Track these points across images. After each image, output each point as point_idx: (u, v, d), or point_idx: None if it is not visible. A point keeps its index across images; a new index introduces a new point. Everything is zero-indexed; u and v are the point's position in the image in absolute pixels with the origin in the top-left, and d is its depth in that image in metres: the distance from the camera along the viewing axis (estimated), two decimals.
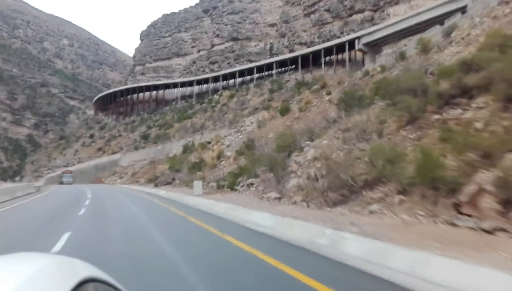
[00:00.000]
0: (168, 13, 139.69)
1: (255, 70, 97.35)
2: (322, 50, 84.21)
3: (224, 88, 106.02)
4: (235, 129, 49.71)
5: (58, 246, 7.69)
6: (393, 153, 10.78)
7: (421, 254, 5.46)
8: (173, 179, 33.61)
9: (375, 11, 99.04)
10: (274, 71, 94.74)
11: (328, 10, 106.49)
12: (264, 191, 17.76)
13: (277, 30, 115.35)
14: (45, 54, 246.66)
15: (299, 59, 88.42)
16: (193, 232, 10.02)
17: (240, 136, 45.79)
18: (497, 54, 12.95)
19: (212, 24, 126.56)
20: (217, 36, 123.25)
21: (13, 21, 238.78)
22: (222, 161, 37.16)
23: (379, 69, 33.75)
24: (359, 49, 78.24)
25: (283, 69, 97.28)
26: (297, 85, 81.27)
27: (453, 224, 7.74)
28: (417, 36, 41.87)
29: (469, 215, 7.74)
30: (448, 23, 35.70)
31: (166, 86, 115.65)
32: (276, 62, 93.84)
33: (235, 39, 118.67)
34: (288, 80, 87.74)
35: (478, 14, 26.51)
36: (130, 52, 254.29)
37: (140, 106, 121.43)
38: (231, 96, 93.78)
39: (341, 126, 18.25)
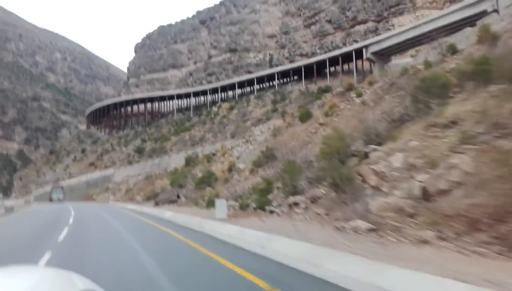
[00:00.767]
0: (164, 24, 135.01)
1: (255, 81, 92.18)
2: (327, 60, 79.28)
3: (223, 100, 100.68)
4: (243, 140, 44.10)
5: None
6: None
7: None
8: (178, 196, 27.75)
9: (378, 21, 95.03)
10: (276, 82, 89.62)
11: (329, 21, 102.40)
12: (329, 215, 12.06)
13: (276, 42, 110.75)
14: (37, 68, 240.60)
15: (302, 70, 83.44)
16: None
17: (250, 147, 40.18)
18: None
19: (209, 35, 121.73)
20: (215, 47, 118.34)
21: (4, 34, 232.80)
22: (234, 174, 31.48)
23: (420, 66, 28.53)
24: (367, 58, 73.49)
25: (285, 80, 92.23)
26: (301, 96, 76.27)
27: None
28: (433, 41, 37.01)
29: None
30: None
31: (162, 98, 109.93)
32: (278, 72, 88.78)
33: (233, 50, 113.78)
34: (291, 91, 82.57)
35: None
36: (124, 67, 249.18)
37: (134, 120, 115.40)
38: (231, 108, 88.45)
39: (434, 122, 12.71)
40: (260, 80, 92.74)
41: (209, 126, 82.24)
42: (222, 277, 6.37)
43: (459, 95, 14.89)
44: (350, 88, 33.97)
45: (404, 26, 72.83)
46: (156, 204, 27.47)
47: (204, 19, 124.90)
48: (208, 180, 29.28)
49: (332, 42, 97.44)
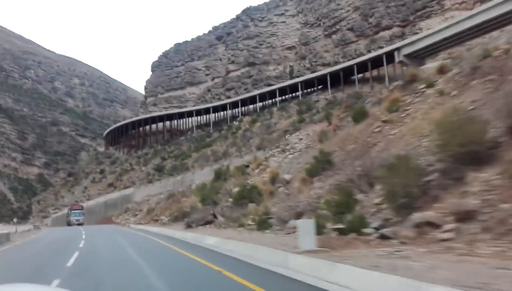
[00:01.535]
0: (180, 42, 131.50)
1: (277, 92, 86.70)
2: (355, 66, 73.50)
3: (243, 114, 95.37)
4: (278, 150, 38.19)
5: None
6: None
7: None
8: (214, 216, 21.89)
9: (404, 26, 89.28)
10: (299, 93, 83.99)
11: (351, 29, 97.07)
12: None
13: (296, 53, 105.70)
14: (56, 93, 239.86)
15: (328, 78, 77.74)
16: None
17: (289, 156, 34.26)
18: None
19: (226, 50, 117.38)
20: (232, 62, 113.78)
21: (24, 62, 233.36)
22: (280, 186, 25.56)
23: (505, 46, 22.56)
24: (400, 62, 67.47)
25: (308, 90, 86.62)
26: (329, 105, 70.39)
27: None
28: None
29: None
30: None
31: (181, 115, 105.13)
32: (302, 82, 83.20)
33: (251, 64, 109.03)
34: (317, 101, 76.88)
35: None
36: (141, 89, 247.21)
37: (153, 138, 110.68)
38: (253, 121, 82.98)
39: None
40: (282, 91, 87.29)
41: (232, 140, 76.74)
42: None
43: None
44: (412, 80, 28.09)
45: (439, 25, 66.84)
46: (189, 226, 21.67)
47: (221, 34, 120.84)
48: (249, 194, 23.36)
49: (355, 50, 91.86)
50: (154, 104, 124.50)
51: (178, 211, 30.74)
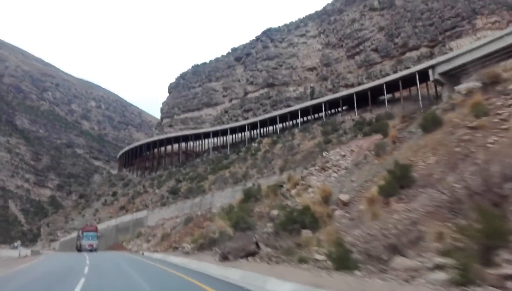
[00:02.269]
0: (198, 64, 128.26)
1: (299, 113, 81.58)
2: (384, 86, 68.31)
3: (262, 135, 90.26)
4: (315, 168, 32.61)
5: None
6: None
7: None
8: (257, 245, 16.27)
9: (432, 46, 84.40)
10: (323, 113, 78.80)
11: (375, 50, 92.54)
12: None
13: (317, 74, 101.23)
14: (72, 115, 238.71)
15: (354, 97, 72.55)
16: None
17: (334, 174, 28.68)
18: None
19: (245, 71, 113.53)
20: (251, 83, 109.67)
21: (42, 84, 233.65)
22: (334, 209, 19.93)
23: None
24: (435, 80, 62.13)
25: (332, 111, 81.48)
26: (357, 125, 64.95)
27: None
28: None
29: None
30: None
31: (197, 136, 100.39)
32: (325, 102, 78.06)
33: (270, 85, 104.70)
34: (343, 121, 71.53)
35: None
36: (156, 113, 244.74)
37: (168, 160, 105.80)
38: (274, 143, 77.70)
39: None
40: (304, 112, 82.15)
41: (252, 162, 71.40)
42: None
43: None
44: (494, 81, 22.72)
45: (479, 41, 61.62)
46: (225, 257, 16.09)
47: (240, 55, 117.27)
48: (301, 218, 17.72)
49: (381, 71, 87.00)
50: (170, 126, 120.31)
51: (202, 238, 25.11)
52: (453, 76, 62.56)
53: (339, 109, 79.79)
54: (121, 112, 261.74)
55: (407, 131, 25.53)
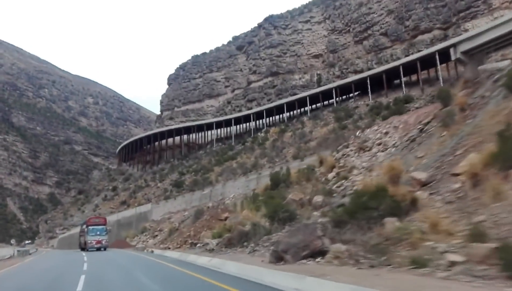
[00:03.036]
0: (198, 54, 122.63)
1: (308, 100, 76.49)
2: (401, 68, 63.29)
3: (269, 125, 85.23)
4: (351, 149, 27.64)
5: None
6: None
7: None
8: (322, 243, 11.21)
9: (446, 29, 79.37)
10: (333, 100, 73.82)
11: (385, 34, 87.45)
12: None
13: (323, 61, 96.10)
14: (69, 112, 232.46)
15: (368, 82, 67.55)
16: None
17: (381, 153, 23.72)
18: None
19: (247, 60, 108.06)
20: (254, 72, 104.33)
21: (38, 81, 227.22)
22: (411, 191, 14.92)
23: None
24: (457, 60, 57.17)
25: (343, 97, 76.52)
26: (373, 110, 60.04)
27: None
28: None
29: None
30: None
31: (200, 128, 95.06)
32: (336, 88, 72.98)
33: (275, 74, 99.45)
34: (357, 107, 66.61)
35: None
36: (155, 109, 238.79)
37: (169, 153, 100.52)
38: (282, 131, 72.81)
39: None
40: (313, 99, 77.07)
41: (260, 151, 66.41)
42: None
43: None
44: None
45: (503, 17, 56.64)
46: (279, 258, 11.07)
47: (241, 44, 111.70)
48: (375, 202, 12.69)
49: (392, 55, 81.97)
50: (171, 118, 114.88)
51: (226, 231, 20.10)
52: (476, 55, 57.65)
53: (350, 95, 74.82)
54: (119, 108, 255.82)
55: (478, 97, 20.57)
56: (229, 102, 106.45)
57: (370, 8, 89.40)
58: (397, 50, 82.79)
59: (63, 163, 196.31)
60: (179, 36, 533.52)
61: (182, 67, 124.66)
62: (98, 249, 35.92)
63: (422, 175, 15.63)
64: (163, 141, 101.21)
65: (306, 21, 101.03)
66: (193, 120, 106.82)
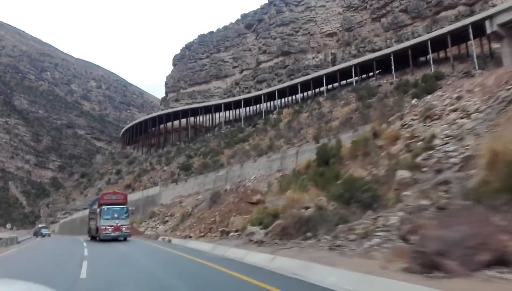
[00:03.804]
0: (205, 33, 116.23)
1: (324, 79, 70.89)
2: (429, 42, 57.56)
3: (280, 107, 79.77)
4: (412, 118, 22.40)
5: None
6: None
7: None
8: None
9: (471, 4, 73.29)
10: (352, 79, 68.26)
11: (404, 11, 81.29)
12: None
13: (338, 40, 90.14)
14: (72, 96, 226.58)
15: (392, 58, 61.89)
16: None
17: (462, 121, 18.51)
18: None
19: (257, 40, 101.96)
20: (264, 52, 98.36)
21: (41, 64, 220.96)
22: None
23: None
24: (493, 33, 51.46)
25: (363, 76, 70.94)
26: (401, 88, 54.56)
27: None
28: None
29: None
30: None
31: (207, 109, 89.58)
32: (356, 65, 67.30)
33: (286, 53, 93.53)
34: (380, 85, 61.11)
35: None
36: (158, 94, 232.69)
37: (175, 136, 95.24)
38: (297, 112, 67.51)
39: None
40: (331, 78, 71.48)
41: (275, 133, 61.16)
42: None
43: None
44: None
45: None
46: (434, 266, 6.16)
47: (251, 22, 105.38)
48: None
49: (413, 33, 76.01)
50: (176, 100, 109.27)
51: (272, 216, 14.97)
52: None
53: (370, 74, 69.24)
54: (122, 92, 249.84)
55: None
56: (237, 84, 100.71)
57: None
58: (418, 27, 76.82)
59: (66, 147, 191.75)
60: (184, 18, 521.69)
61: (188, 47, 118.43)
62: (115, 239, 25.67)
63: None
64: (169, 124, 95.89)
65: None
66: (199, 102, 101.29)
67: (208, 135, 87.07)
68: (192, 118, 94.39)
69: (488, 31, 51.84)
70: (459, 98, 21.51)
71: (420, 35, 71.82)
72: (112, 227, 25.82)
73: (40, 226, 70.64)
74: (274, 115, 74.29)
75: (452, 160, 14.11)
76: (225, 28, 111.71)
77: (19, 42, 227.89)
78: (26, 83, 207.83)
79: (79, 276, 8.74)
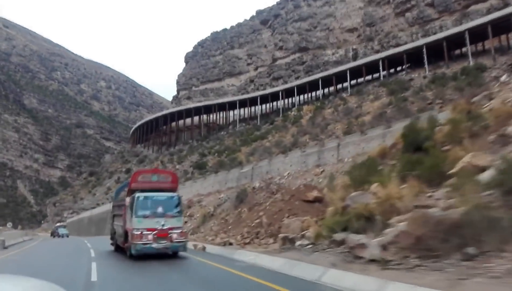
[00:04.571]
0: (218, 30, 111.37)
1: (348, 74, 65.69)
2: (467, 33, 52.19)
3: (299, 104, 74.66)
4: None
5: None
6: None
7: None
8: None
9: None
10: (381, 73, 63.00)
11: (431, 5, 75.94)
12: None
13: (359, 36, 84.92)
14: (81, 96, 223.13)
15: (424, 50, 56.58)
16: None
17: None
18: None
19: (273, 36, 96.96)
20: (280, 48, 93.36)
21: (51, 64, 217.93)
22: None
23: None
24: None
25: (391, 71, 65.65)
26: (438, 81, 49.24)
27: None
28: None
29: None
30: None
31: (221, 106, 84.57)
32: (384, 59, 62.05)
33: (303, 49, 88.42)
34: (412, 79, 55.82)
35: None
36: (168, 97, 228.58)
37: (187, 134, 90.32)
38: (318, 108, 62.39)
39: None
40: (355, 73, 66.31)
41: (297, 129, 56.06)
42: None
43: None
44: None
45: None
46: None
47: (267, 18, 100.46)
48: None
49: (441, 27, 70.66)
50: (188, 98, 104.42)
51: (359, 218, 9.82)
52: None
53: (399, 68, 63.97)
54: (131, 93, 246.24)
55: None
56: (251, 81, 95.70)
57: None
58: (447, 21, 71.45)
59: (75, 146, 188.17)
60: (196, 18, 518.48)
61: (201, 44, 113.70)
62: (159, 254, 13.77)
63: None
64: (181, 122, 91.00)
65: None
66: (212, 100, 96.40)
67: (222, 133, 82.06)
68: (205, 116, 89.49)
69: None
70: None
71: (448, 29, 66.60)
72: (155, 232, 13.47)
73: (57, 224, 64.51)
74: (293, 112, 69.19)
75: None
76: (239, 24, 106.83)
77: (30, 42, 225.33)
78: (36, 83, 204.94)
79: None
